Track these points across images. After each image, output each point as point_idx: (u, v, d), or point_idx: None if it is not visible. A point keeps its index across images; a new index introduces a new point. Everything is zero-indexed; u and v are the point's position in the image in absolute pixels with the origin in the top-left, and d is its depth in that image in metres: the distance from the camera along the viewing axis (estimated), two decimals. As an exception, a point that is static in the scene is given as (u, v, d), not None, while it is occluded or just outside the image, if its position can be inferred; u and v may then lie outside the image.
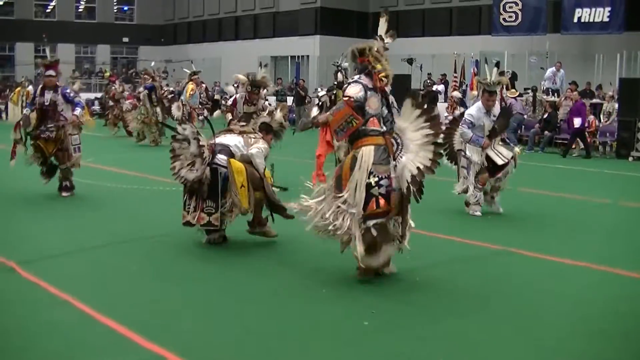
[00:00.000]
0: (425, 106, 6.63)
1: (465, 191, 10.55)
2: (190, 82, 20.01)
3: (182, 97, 21.31)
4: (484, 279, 7.23)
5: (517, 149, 10.83)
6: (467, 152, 10.42)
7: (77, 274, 7.16)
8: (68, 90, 11.28)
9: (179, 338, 5.35)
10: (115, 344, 5.24)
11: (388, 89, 6.95)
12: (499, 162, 10.28)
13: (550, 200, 11.78)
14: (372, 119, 6.78)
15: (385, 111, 6.93)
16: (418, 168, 6.53)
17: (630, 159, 20.22)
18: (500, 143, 10.49)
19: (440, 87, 28.83)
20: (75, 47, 46.39)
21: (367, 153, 6.70)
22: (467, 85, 26.71)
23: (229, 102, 12.05)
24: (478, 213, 10.50)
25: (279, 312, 6.05)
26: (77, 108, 11.13)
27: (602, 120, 22.34)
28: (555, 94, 24.01)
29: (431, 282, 7.03)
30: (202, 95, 25.10)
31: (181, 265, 7.51)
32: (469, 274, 7.39)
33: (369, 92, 6.77)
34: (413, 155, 6.59)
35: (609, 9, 26.73)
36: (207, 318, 5.86)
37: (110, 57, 47.72)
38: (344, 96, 6.86)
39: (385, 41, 7.06)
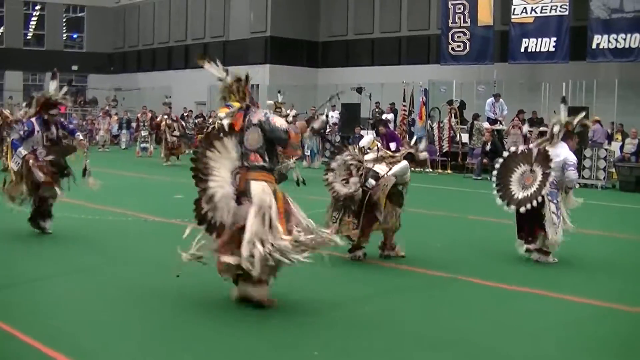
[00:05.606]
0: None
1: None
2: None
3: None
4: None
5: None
6: (557, 199, 9.35)
7: (20, 304, 6.96)
8: None
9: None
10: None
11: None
12: None
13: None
14: None
15: None
16: None
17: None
18: None
19: (390, 116, 28.98)
20: (23, 74, 45.86)
21: None
22: (416, 114, 26.93)
23: None
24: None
25: (226, 348, 5.98)
26: None
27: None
28: (499, 123, 24.34)
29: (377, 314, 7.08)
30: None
31: (127, 293, 7.36)
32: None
33: None
34: None
35: (555, 39, 27.22)
36: (149, 348, 5.77)
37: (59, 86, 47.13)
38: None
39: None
